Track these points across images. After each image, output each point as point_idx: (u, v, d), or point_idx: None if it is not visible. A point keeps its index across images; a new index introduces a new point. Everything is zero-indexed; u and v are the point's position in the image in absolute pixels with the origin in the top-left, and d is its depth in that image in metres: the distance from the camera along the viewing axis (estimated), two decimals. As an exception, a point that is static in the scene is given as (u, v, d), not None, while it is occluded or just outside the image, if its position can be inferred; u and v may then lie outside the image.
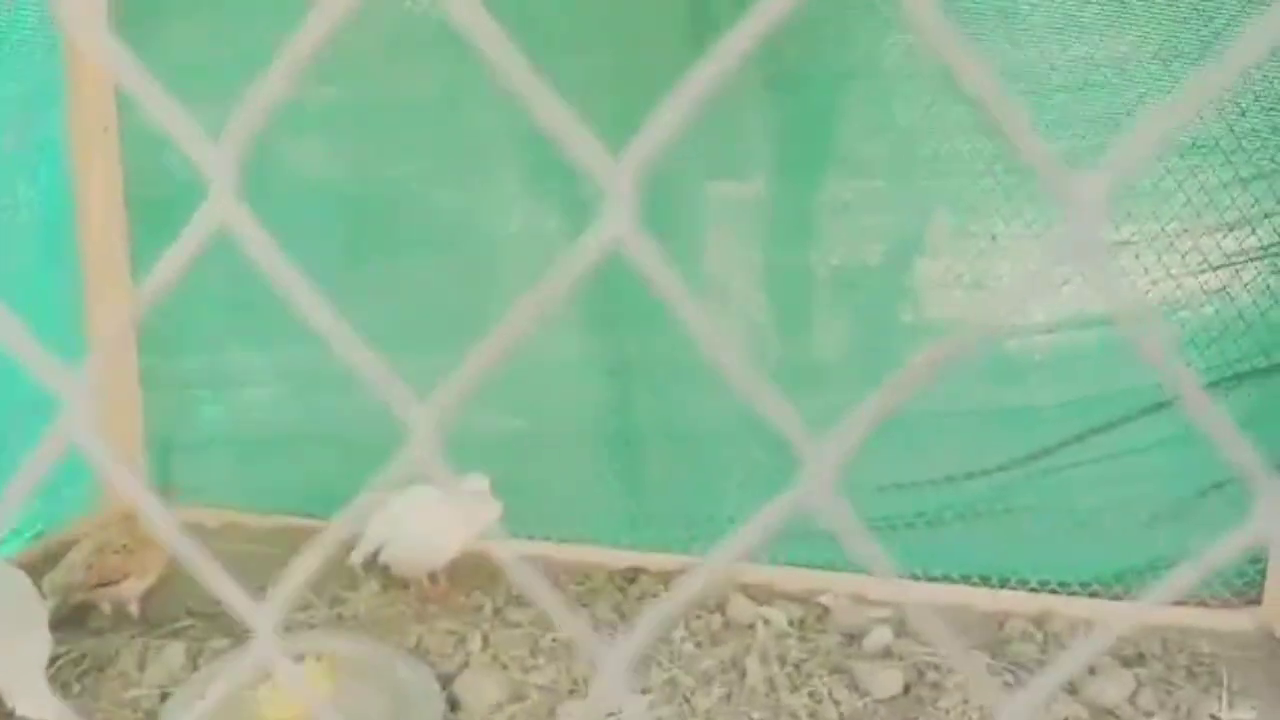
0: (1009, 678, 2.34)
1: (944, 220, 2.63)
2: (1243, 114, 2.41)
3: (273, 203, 2.99)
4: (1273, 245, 2.47)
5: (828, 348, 2.75)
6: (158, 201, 2.99)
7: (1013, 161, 2.52)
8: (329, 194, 2.93)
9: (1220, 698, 2.27)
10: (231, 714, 2.22)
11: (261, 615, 0.43)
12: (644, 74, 2.68)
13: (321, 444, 3.01)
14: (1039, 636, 2.52)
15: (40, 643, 2.10)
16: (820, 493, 0.36)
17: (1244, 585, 2.57)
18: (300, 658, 2.33)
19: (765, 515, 0.36)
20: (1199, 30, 2.40)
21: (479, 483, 2.65)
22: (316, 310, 0.39)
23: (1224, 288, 2.49)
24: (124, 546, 2.46)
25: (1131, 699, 2.25)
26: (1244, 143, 2.42)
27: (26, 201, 2.81)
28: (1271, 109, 2.41)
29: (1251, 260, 2.47)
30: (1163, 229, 2.49)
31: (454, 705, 2.25)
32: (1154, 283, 2.52)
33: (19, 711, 2.01)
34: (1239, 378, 2.50)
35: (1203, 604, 2.55)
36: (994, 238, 2.57)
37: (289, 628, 2.51)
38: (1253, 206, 2.45)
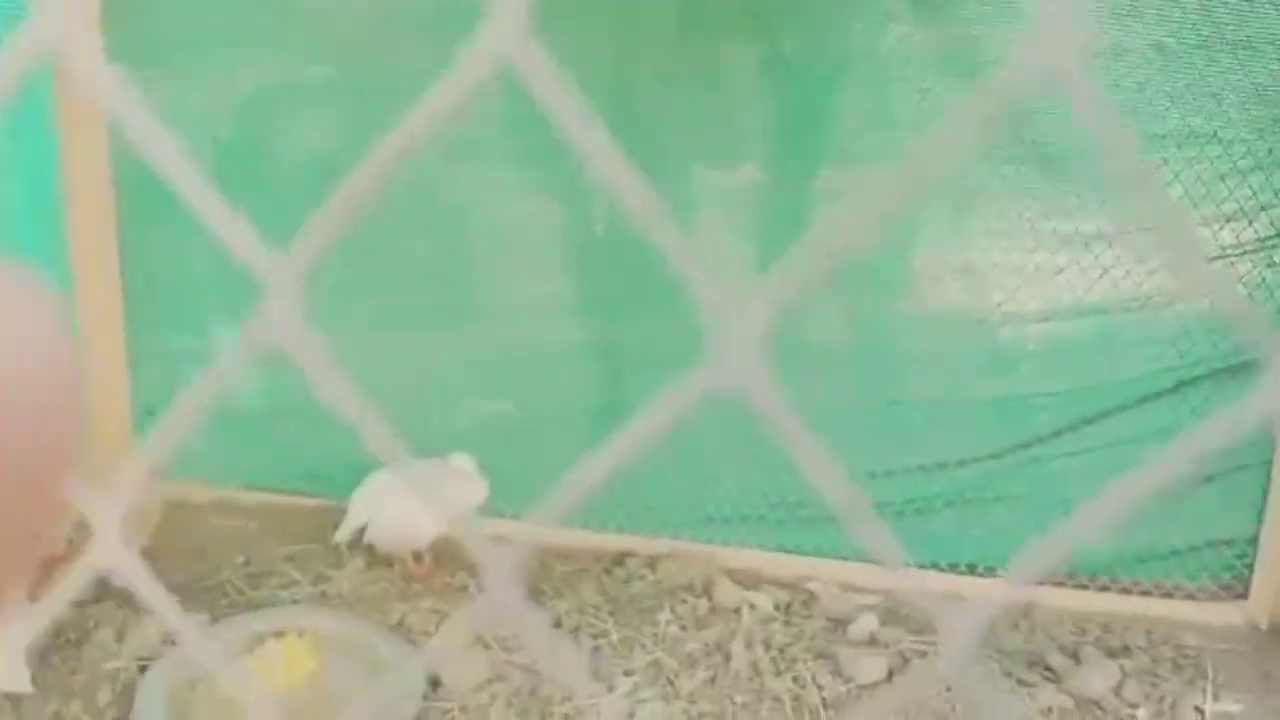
0: (994, 667, 2.34)
1: (938, 208, 2.61)
2: (1242, 105, 2.39)
3: (267, 180, 2.96)
4: (1269, 238, 2.46)
5: (822, 335, 2.72)
6: (146, 181, 2.95)
7: (1009, 150, 2.50)
8: (322, 172, 2.89)
9: (1205, 690, 2.27)
10: (212, 689, 2.20)
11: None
12: (637, 59, 2.66)
13: (311, 421, 2.98)
14: (1024, 626, 2.51)
15: (16, 614, 2.08)
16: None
17: (1231, 579, 2.57)
18: (283, 634, 2.31)
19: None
20: (1198, 25, 2.39)
21: (465, 463, 2.64)
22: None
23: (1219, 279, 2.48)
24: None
25: (1116, 690, 2.25)
26: (1242, 133, 2.40)
27: (10, 179, 2.77)
28: (1270, 100, 2.39)
29: (1248, 253, 2.46)
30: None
31: (435, 684, 2.24)
32: (1149, 274, 2.50)
33: (-2, 685, 2.00)
34: (1236, 370, 2.49)
35: (1189, 597, 2.55)
36: (989, 226, 2.55)
37: (272, 604, 2.49)
38: (1250, 199, 2.44)
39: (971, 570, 2.68)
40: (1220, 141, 2.42)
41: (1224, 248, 2.47)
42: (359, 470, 2.74)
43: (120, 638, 2.34)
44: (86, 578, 0.40)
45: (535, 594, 2.62)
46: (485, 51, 0.32)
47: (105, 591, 2.46)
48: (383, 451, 0.38)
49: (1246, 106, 2.40)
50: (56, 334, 0.33)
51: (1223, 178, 2.43)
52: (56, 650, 2.27)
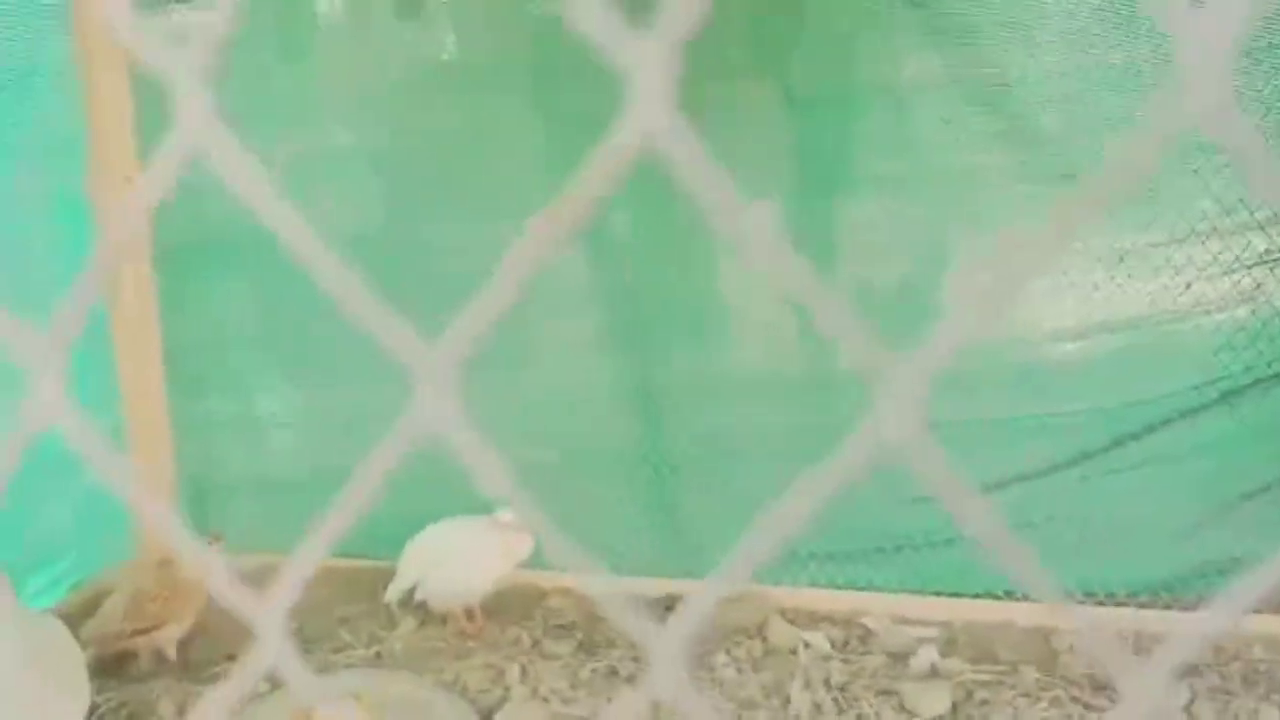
0: (1059, 693, 2.29)
1: (965, 234, 2.60)
2: (1269, 111, 2.37)
3: (304, 182, 3.01)
4: (1305, 242, 2.43)
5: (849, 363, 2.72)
6: (184, 248, 3.01)
7: (1033, 172, 2.50)
8: (355, 239, 2.93)
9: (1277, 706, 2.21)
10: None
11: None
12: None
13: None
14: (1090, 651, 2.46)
15: (80, 693, 2.10)
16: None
17: (1296, 589, 2.50)
18: (340, 699, 2.32)
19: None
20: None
21: (511, 516, 2.64)
22: (311, 249, 0.37)
23: (1258, 286, 2.45)
24: (160, 593, 2.45)
25: (1188, 710, 2.20)
26: (1275, 138, 2.38)
27: (51, 260, 2.83)
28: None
29: (1285, 258, 2.43)
30: (1193, 229, 2.45)
31: (495, 741, 2.23)
32: (1186, 285, 2.48)
33: (62, 763, 2.01)
34: (1277, 378, 2.45)
35: (1255, 610, 2.49)
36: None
37: (326, 669, 2.50)
38: (1283, 203, 2.41)
39: (1025, 596, 2.64)
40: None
41: (1261, 254, 2.44)
42: (405, 529, 2.76)
43: (181, 712, 2.35)
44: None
45: (588, 644, 2.61)
46: (631, 131, 0.33)
47: (165, 666, 2.49)
48: (535, 523, 0.39)
49: (1273, 113, 2.38)
50: None
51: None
52: (119, 726, 2.29)
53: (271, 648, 0.40)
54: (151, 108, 2.91)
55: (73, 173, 2.87)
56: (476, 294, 0.37)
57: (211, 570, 0.42)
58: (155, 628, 2.43)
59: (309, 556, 0.40)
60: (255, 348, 3.04)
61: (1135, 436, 2.56)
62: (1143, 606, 2.56)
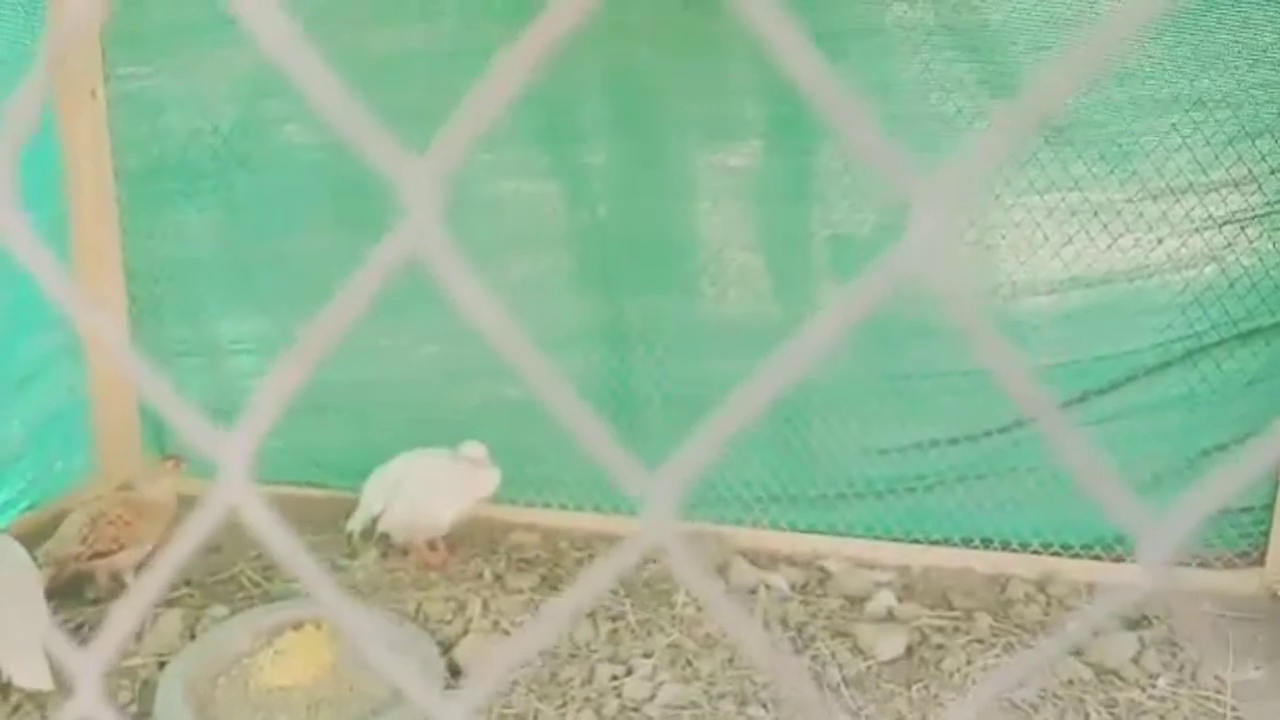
0: (1012, 639, 2.33)
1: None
2: (1250, 68, 2.37)
3: (267, 164, 2.95)
4: (1278, 202, 2.43)
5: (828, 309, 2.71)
6: (147, 171, 2.95)
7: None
8: (321, 156, 2.87)
9: (1224, 659, 2.26)
10: (233, 681, 2.21)
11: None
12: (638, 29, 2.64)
13: (320, 413, 2.99)
14: (1041, 599, 2.51)
15: (37, 613, 2.09)
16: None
17: (1247, 546, 2.56)
18: (301, 625, 2.32)
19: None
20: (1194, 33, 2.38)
21: (477, 450, 2.63)
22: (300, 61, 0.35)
23: (1229, 244, 2.46)
24: (119, 517, 2.43)
25: (1136, 660, 2.25)
26: (1252, 95, 2.38)
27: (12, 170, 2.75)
28: (1278, 63, 2.36)
29: (1257, 217, 2.44)
30: (1167, 185, 2.45)
31: (455, 671, 2.24)
32: (1158, 241, 2.48)
33: (16, 681, 2.00)
34: (1244, 336, 2.47)
35: (1206, 565, 2.54)
36: (996, 196, 2.54)
37: (287, 595, 2.49)
38: (1258, 162, 2.41)
39: (984, 545, 2.68)
40: (1229, 105, 2.39)
41: (1233, 212, 2.44)
42: (369, 461, 2.74)
43: (139, 634, 2.34)
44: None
45: (551, 578, 2.62)
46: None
47: (122, 590, 2.47)
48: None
49: (1254, 69, 2.37)
50: None
51: (1231, 142, 2.41)
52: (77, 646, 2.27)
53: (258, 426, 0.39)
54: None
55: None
56: (459, 111, 0.35)
57: (147, 377, 0.40)
58: (113, 552, 2.41)
59: (288, 376, 0.39)
60: (216, 273, 2.99)
61: (1102, 390, 2.59)
62: (1099, 559, 2.60)
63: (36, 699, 2.05)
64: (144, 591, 0.42)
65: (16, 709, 2.08)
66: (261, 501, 0.40)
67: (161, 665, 2.22)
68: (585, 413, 0.36)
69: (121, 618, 0.44)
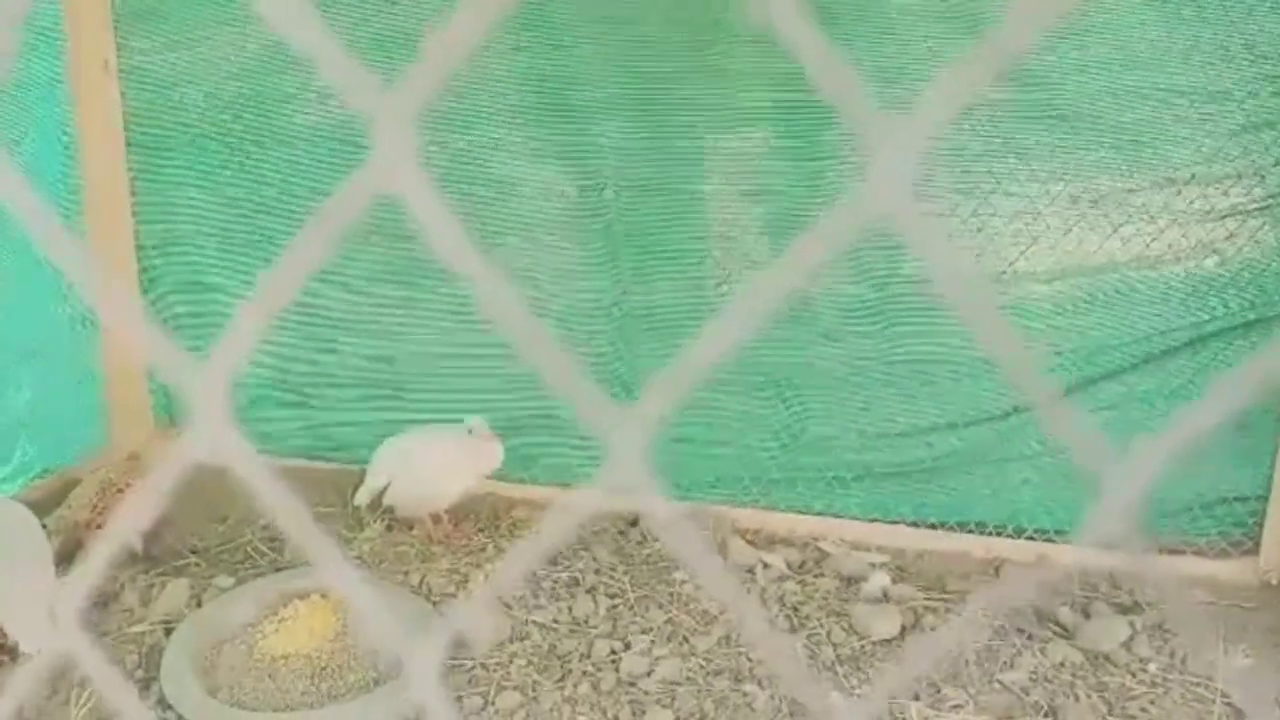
0: (1004, 623, 2.36)
1: (948, 165, 2.60)
2: (1256, 60, 2.37)
3: (279, 140, 2.96)
4: (1281, 194, 2.45)
5: (830, 291, 2.73)
6: (158, 139, 2.97)
7: (1018, 107, 2.49)
8: (333, 134, 2.89)
9: (1215, 645, 2.29)
10: (238, 649, 2.25)
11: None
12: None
13: (327, 387, 3.02)
14: (1034, 582, 2.54)
15: (45, 579, 2.12)
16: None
17: (1241, 535, 2.58)
18: (306, 595, 2.36)
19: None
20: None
21: (481, 426, 2.67)
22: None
23: (1229, 236, 2.47)
24: (129, 486, 2.47)
25: (1127, 645, 2.28)
26: (1258, 87, 2.38)
27: (25, 142, 2.78)
28: (1282, 55, 2.37)
29: (1259, 209, 2.45)
30: (1170, 175, 2.47)
31: (457, 643, 2.28)
32: (1160, 231, 2.50)
33: (23, 647, 2.04)
34: (1245, 327, 2.49)
35: (1200, 553, 2.57)
36: (997, 180, 2.55)
37: (294, 565, 2.54)
38: (1263, 154, 2.42)
39: (980, 528, 2.70)
40: (1234, 98, 2.40)
41: (1235, 205, 2.46)
42: (376, 435, 2.78)
43: (145, 601, 2.39)
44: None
45: (552, 554, 2.66)
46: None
47: (131, 556, 2.51)
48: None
49: (1260, 61, 2.38)
50: None
51: (1236, 134, 2.42)
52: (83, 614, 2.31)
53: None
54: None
55: (50, 57, 2.81)
56: (429, 44, 0.37)
57: (151, 336, 0.42)
58: (123, 519, 2.45)
59: (258, 311, 0.41)
60: (228, 245, 3.01)
61: (1101, 379, 2.61)
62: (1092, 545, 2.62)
63: (46, 662, 2.09)
64: (133, 512, 0.44)
65: (25, 672, 2.13)
66: (239, 436, 0.42)
67: (168, 632, 2.27)
68: (553, 346, 0.38)
69: (101, 547, 0.46)
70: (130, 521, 0.45)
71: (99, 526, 2.45)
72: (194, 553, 2.59)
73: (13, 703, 0.51)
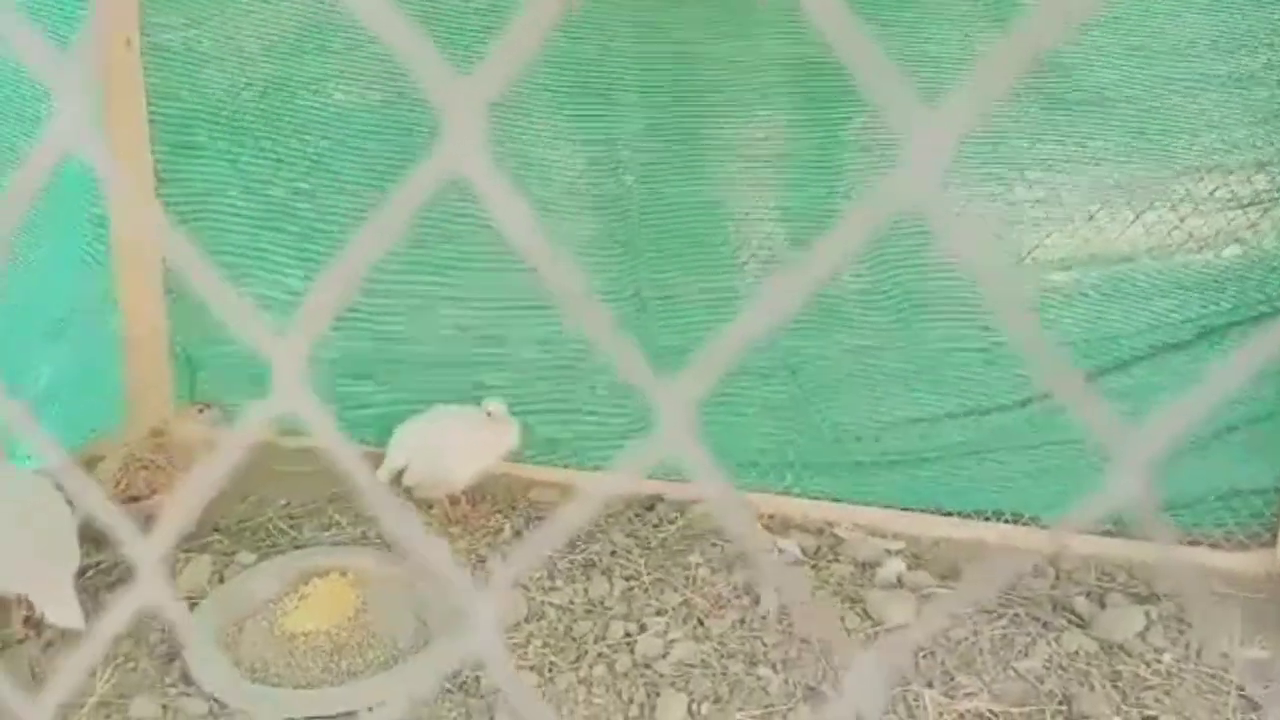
0: (1019, 611, 2.37)
1: (970, 151, 2.59)
2: (1278, 49, 2.35)
3: (303, 122, 2.96)
4: (1301, 184, 2.43)
5: (852, 284, 2.72)
6: (181, 119, 2.98)
7: (1039, 96, 2.48)
8: (358, 116, 2.90)
9: (1231, 637, 2.29)
10: (259, 625, 2.28)
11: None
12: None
13: (348, 368, 3.04)
14: (1050, 572, 2.54)
15: (70, 554, 2.15)
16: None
17: (1257, 527, 2.58)
18: (327, 573, 2.39)
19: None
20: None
21: (498, 408, 2.69)
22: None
23: (1251, 226, 2.46)
24: (152, 463, 2.50)
25: (1142, 635, 2.28)
26: (1271, 78, 2.37)
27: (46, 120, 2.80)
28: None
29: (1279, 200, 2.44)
30: (1193, 163, 2.45)
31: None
32: (1180, 220, 2.49)
33: (49, 619, 2.07)
34: (1264, 317, 2.48)
35: (1216, 545, 2.56)
36: (1022, 171, 2.54)
37: (314, 544, 2.56)
38: (1280, 145, 2.41)
39: (996, 517, 2.70)
40: (1264, 85, 2.38)
41: (1257, 193, 2.44)
42: (396, 416, 2.80)
43: (169, 577, 2.42)
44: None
45: (568, 537, 2.68)
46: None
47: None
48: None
49: (1276, 50, 2.36)
50: None
51: (1261, 122, 2.40)
52: (108, 589, 2.35)
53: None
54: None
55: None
56: (503, 37, 0.37)
57: (201, 270, 0.43)
58: (147, 496, 2.48)
59: (333, 289, 0.42)
60: (250, 227, 3.03)
61: (1119, 367, 2.60)
62: (1110, 535, 2.62)
63: (69, 637, 2.12)
64: (209, 473, 0.46)
65: (49, 645, 2.16)
66: (320, 408, 0.44)
67: (192, 607, 2.30)
68: (610, 324, 0.39)
69: (182, 499, 0.47)
70: (201, 491, 0.46)
71: (123, 503, 2.47)
72: (216, 530, 2.61)
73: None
